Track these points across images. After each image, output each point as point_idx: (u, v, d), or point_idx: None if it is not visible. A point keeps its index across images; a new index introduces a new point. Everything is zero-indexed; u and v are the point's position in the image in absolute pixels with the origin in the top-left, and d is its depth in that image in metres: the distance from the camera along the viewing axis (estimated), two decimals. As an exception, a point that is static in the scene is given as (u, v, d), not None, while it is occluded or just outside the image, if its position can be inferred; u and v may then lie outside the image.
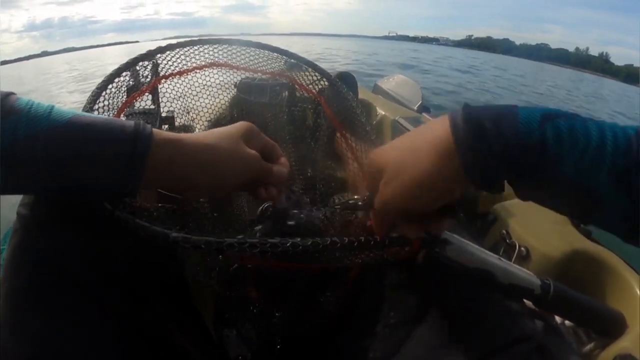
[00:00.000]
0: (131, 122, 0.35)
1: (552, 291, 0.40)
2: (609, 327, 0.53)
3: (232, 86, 0.68)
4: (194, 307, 0.50)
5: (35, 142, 0.32)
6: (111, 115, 0.48)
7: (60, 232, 0.37)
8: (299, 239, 0.35)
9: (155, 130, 0.36)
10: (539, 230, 0.81)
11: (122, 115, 0.51)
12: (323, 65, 0.68)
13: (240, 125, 0.44)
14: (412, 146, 0.32)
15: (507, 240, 0.81)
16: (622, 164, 0.27)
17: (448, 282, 0.39)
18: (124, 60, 0.54)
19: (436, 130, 0.31)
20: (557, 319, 0.65)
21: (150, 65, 0.57)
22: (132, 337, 0.38)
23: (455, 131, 0.29)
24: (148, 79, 0.56)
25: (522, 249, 0.78)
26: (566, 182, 0.28)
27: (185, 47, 0.60)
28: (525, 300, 0.66)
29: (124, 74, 0.53)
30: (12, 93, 0.34)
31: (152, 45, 0.58)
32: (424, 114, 1.63)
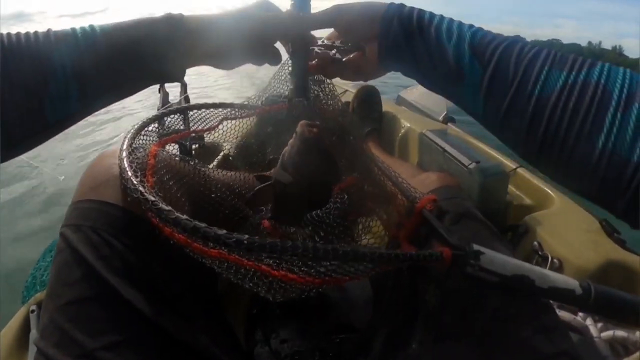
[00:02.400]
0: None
1: (594, 291, 0.39)
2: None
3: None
4: (229, 322, 0.51)
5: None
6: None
7: (105, 249, 0.40)
8: (329, 245, 0.32)
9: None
10: (571, 241, 0.79)
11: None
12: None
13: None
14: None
15: (540, 252, 0.79)
16: (477, 42, 0.38)
17: (481, 297, 0.40)
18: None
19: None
20: (593, 332, 0.64)
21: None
22: (171, 350, 0.40)
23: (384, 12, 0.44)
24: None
25: (555, 260, 0.76)
26: (440, 44, 0.40)
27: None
28: (561, 312, 0.65)
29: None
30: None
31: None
32: (449, 124, 1.61)
